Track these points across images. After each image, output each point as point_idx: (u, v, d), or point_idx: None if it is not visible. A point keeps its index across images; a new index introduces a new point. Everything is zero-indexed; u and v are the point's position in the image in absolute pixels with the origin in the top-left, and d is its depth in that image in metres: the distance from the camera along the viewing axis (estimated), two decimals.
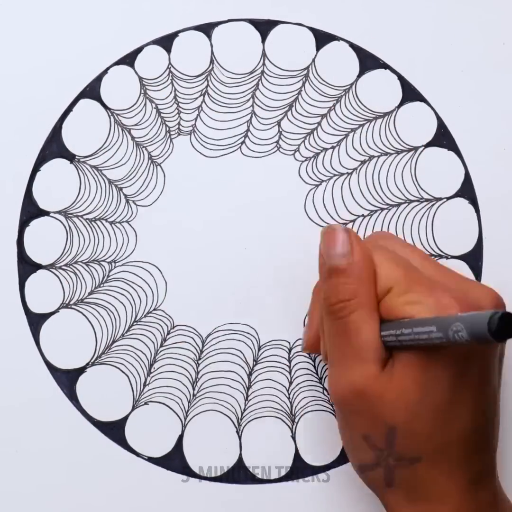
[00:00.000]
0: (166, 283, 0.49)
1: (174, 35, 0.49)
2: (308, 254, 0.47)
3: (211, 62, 0.49)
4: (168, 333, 0.49)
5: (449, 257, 0.49)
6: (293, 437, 0.49)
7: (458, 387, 0.40)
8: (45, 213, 0.49)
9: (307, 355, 0.49)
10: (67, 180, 0.49)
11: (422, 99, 0.49)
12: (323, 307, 0.42)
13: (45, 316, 0.49)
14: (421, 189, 0.50)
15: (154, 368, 0.49)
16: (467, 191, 0.50)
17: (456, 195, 0.50)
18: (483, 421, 0.42)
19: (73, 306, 0.49)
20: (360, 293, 0.41)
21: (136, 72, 0.49)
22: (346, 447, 0.45)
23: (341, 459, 0.49)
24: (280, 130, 0.50)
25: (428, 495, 0.41)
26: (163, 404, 0.49)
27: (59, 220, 0.49)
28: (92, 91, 0.49)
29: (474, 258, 0.49)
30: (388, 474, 0.42)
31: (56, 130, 0.49)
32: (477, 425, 0.41)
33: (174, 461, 0.49)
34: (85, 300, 0.49)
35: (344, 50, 0.50)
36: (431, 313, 0.39)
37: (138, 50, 0.49)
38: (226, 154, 0.49)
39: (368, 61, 0.49)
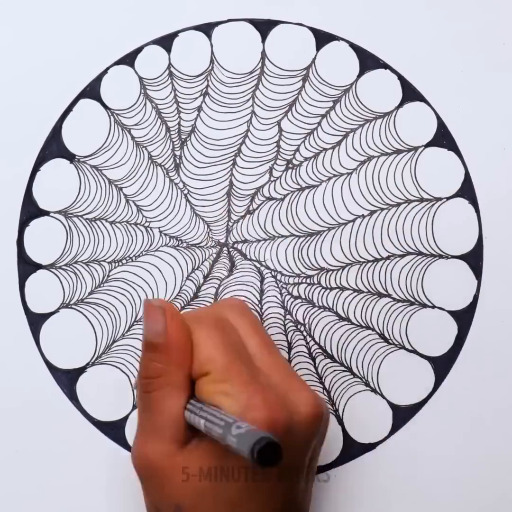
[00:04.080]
0: (166, 283, 0.49)
1: (174, 35, 0.49)
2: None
3: (211, 62, 0.49)
4: None
5: (449, 257, 0.49)
6: None
7: (252, 486, 0.40)
8: (45, 213, 0.49)
9: (307, 355, 0.49)
10: (67, 180, 0.49)
11: (422, 99, 0.49)
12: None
13: (45, 316, 0.49)
14: (421, 189, 0.50)
15: None
16: (467, 191, 0.50)
17: (456, 195, 0.50)
18: None
19: (73, 306, 0.49)
20: (168, 373, 0.41)
21: (136, 72, 0.49)
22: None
23: (341, 459, 0.49)
24: (280, 130, 0.50)
25: None
26: None
27: (59, 220, 0.49)
28: (92, 91, 0.49)
29: (474, 258, 0.49)
30: None
31: (56, 130, 0.49)
32: None
33: None
34: (85, 300, 0.49)
35: (344, 50, 0.50)
36: (238, 410, 0.39)
37: (138, 50, 0.49)
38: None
39: (368, 61, 0.49)
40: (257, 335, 0.43)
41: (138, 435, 0.42)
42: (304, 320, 0.49)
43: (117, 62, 0.49)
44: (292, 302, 0.49)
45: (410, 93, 0.49)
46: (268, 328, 0.49)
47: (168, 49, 0.49)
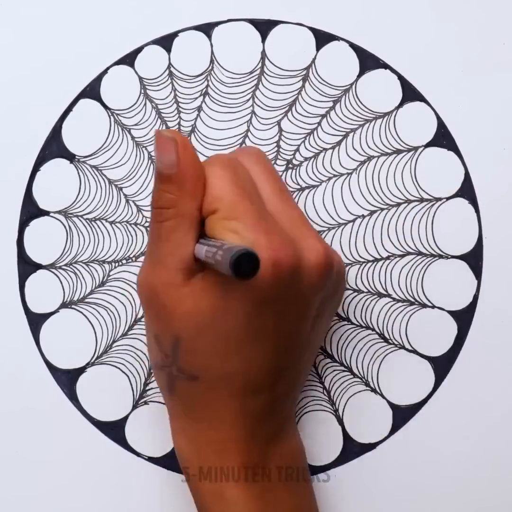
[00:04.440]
0: None
1: (174, 35, 0.49)
2: None
3: (211, 62, 0.49)
4: None
5: (449, 257, 0.49)
6: None
7: (251, 325, 0.40)
8: (45, 213, 0.49)
9: None
10: (67, 180, 0.49)
11: (422, 99, 0.49)
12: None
13: (45, 316, 0.49)
14: (421, 189, 0.50)
15: None
16: (467, 191, 0.50)
17: (456, 195, 0.50)
18: (271, 365, 0.42)
19: (73, 306, 0.49)
20: (179, 204, 0.41)
21: (136, 72, 0.49)
22: (146, 341, 0.45)
23: (341, 459, 0.49)
24: (280, 130, 0.50)
25: (201, 415, 0.42)
26: (163, 404, 0.49)
27: (59, 220, 0.49)
28: (92, 91, 0.49)
29: (474, 258, 0.49)
30: (170, 381, 0.43)
31: (56, 130, 0.49)
32: (264, 366, 0.42)
33: (174, 461, 0.49)
34: (85, 300, 0.49)
35: (344, 50, 0.50)
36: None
37: (138, 50, 0.49)
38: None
39: (368, 61, 0.49)
40: (272, 181, 0.43)
41: (146, 264, 0.43)
42: None
43: (117, 62, 0.49)
44: None
45: (410, 93, 0.49)
46: None
47: (168, 49, 0.49)
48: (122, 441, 0.49)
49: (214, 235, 0.41)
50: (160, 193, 0.42)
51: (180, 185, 0.41)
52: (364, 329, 0.49)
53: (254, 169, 0.43)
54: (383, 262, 0.49)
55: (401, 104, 0.50)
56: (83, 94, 0.49)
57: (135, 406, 0.49)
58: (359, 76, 0.50)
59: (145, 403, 0.49)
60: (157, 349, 0.43)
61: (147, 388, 0.49)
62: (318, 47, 0.49)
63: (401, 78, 0.50)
